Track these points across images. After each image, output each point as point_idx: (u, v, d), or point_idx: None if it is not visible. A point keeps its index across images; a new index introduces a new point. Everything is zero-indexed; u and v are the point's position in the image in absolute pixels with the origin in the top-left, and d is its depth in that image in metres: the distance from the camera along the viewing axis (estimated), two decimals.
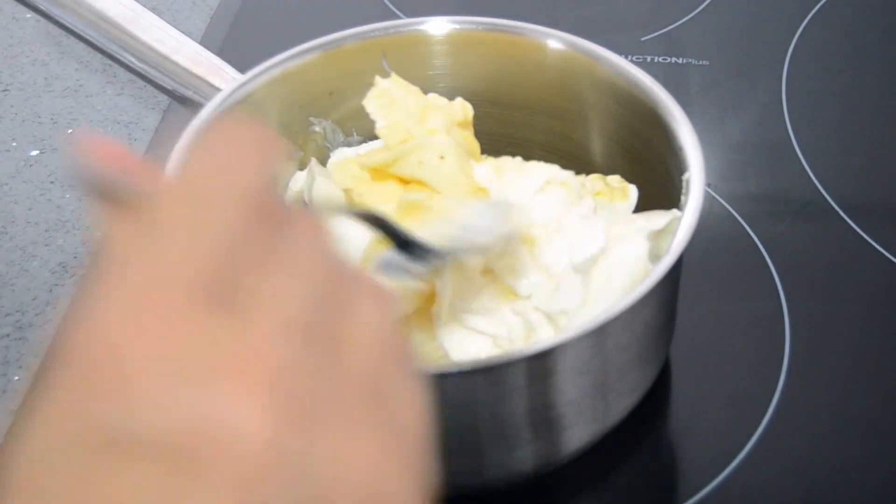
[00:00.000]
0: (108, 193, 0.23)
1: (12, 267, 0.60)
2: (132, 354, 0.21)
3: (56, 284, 0.59)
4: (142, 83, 0.62)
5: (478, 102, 0.52)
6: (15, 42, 0.76)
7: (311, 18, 0.75)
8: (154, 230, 0.23)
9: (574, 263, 0.45)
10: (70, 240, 0.62)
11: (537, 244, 0.47)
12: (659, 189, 0.50)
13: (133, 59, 0.54)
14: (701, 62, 0.70)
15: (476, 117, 0.52)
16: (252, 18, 0.75)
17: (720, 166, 0.63)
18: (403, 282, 0.45)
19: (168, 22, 0.55)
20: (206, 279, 0.22)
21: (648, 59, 0.70)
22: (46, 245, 0.61)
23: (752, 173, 0.63)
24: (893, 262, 0.57)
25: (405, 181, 0.50)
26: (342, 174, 0.51)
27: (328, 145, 0.56)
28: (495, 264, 0.46)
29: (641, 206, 0.52)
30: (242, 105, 0.51)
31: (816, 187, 0.62)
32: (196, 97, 0.53)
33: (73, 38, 0.56)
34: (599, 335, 0.42)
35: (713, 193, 0.61)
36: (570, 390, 0.43)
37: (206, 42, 0.70)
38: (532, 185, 0.49)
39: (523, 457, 0.46)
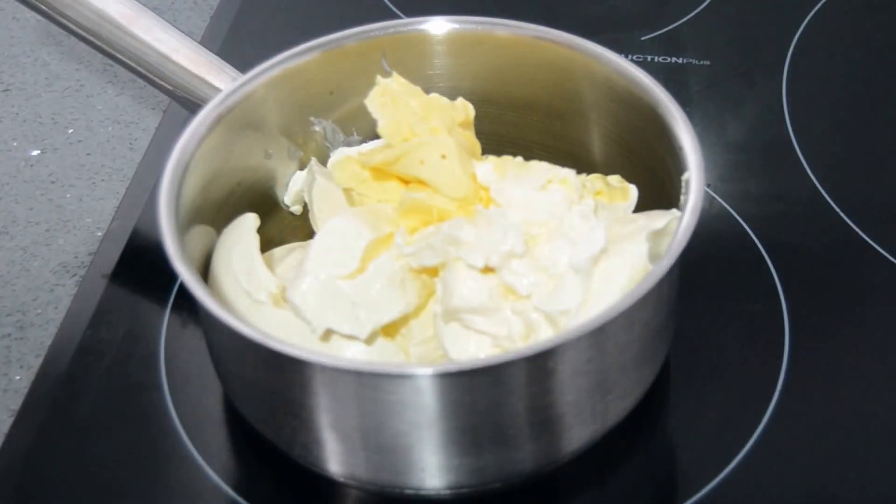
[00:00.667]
0: None
1: (13, 267, 0.60)
2: None
3: (57, 284, 0.59)
4: (142, 83, 0.62)
5: (478, 102, 0.52)
6: (15, 42, 0.76)
7: (311, 18, 0.75)
8: None
9: (574, 263, 0.45)
10: (71, 240, 0.62)
11: (537, 243, 0.47)
12: (659, 189, 0.50)
13: (133, 60, 0.54)
14: (701, 62, 0.70)
15: (476, 117, 0.52)
16: (252, 18, 0.75)
17: (720, 166, 0.63)
18: None
19: (168, 22, 0.55)
20: None
21: (648, 58, 0.70)
22: (47, 245, 0.61)
23: (752, 173, 0.63)
24: (893, 263, 0.57)
25: (406, 180, 0.50)
26: (342, 173, 0.51)
27: (328, 145, 0.56)
28: (495, 264, 0.46)
29: (641, 206, 0.52)
30: (242, 105, 0.51)
31: (816, 187, 0.62)
32: (196, 97, 0.53)
33: (73, 38, 0.56)
34: (599, 335, 0.42)
35: (713, 193, 0.61)
36: (569, 390, 0.43)
37: (206, 42, 0.70)
38: (533, 183, 0.49)
39: (523, 457, 0.46)
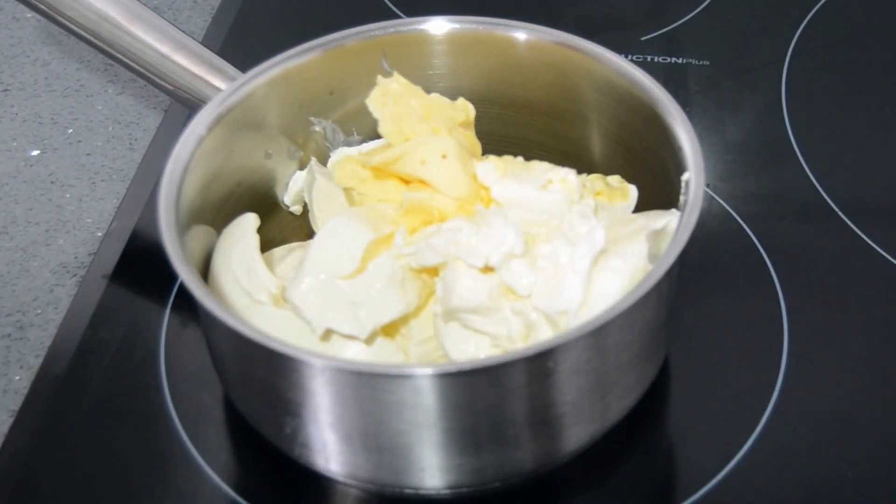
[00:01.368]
0: None
1: (13, 267, 0.60)
2: None
3: (57, 284, 0.59)
4: (142, 83, 0.62)
5: (478, 102, 0.52)
6: (15, 42, 0.76)
7: (311, 18, 0.75)
8: None
9: (574, 264, 0.45)
10: (70, 240, 0.62)
11: (537, 243, 0.47)
12: (659, 189, 0.50)
13: (133, 59, 0.54)
14: (701, 62, 0.70)
15: (476, 117, 0.52)
16: (252, 18, 0.75)
17: (719, 166, 0.63)
18: None
19: (168, 22, 0.55)
20: None
21: (648, 58, 0.70)
22: (47, 245, 0.61)
23: (752, 173, 0.63)
24: (892, 263, 0.57)
25: (406, 180, 0.50)
26: (343, 173, 0.51)
27: (328, 145, 0.56)
28: (496, 263, 0.46)
29: (641, 206, 0.52)
30: (242, 105, 0.51)
31: (816, 188, 0.62)
32: (196, 97, 0.53)
33: (73, 38, 0.56)
34: (599, 335, 0.42)
35: (712, 193, 0.61)
36: (569, 390, 0.44)
37: (206, 42, 0.70)
38: (533, 183, 0.49)
39: (523, 457, 0.46)
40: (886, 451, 0.50)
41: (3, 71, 0.73)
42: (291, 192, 0.55)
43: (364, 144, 0.55)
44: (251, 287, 0.47)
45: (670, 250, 0.43)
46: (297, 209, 0.56)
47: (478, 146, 0.52)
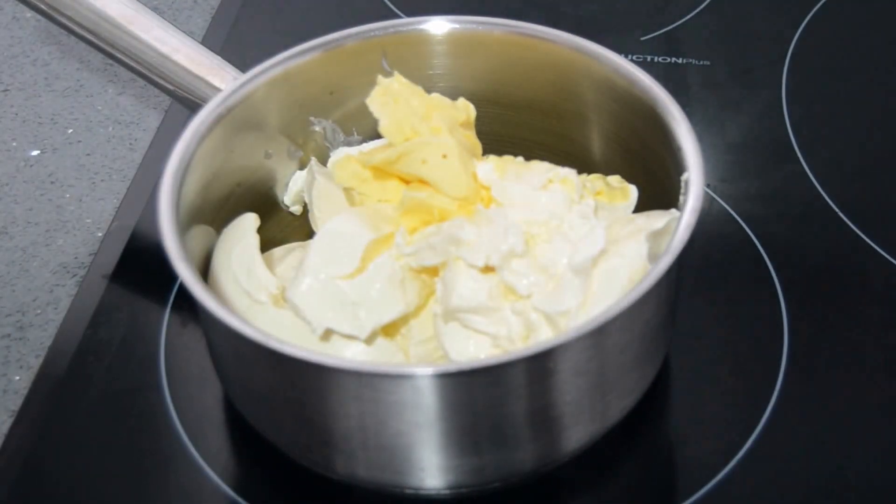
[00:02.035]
0: None
1: (12, 267, 0.60)
2: None
3: (56, 285, 0.59)
4: (142, 83, 0.62)
5: (478, 102, 0.52)
6: (15, 42, 0.76)
7: (311, 18, 0.75)
8: None
9: (574, 264, 0.45)
10: (70, 240, 0.62)
11: (537, 243, 0.47)
12: (659, 189, 0.50)
13: (133, 59, 0.54)
14: (701, 62, 0.70)
15: (476, 117, 0.52)
16: (252, 18, 0.75)
17: (719, 166, 0.63)
18: None
19: (169, 21, 0.55)
20: None
21: (648, 59, 0.70)
22: (47, 245, 0.61)
23: (752, 173, 0.63)
24: (892, 263, 0.57)
25: (407, 180, 0.50)
26: (343, 172, 0.51)
27: (328, 145, 0.56)
28: (496, 263, 0.46)
29: (641, 206, 0.52)
30: (242, 105, 0.51)
31: (816, 188, 0.62)
32: (196, 97, 0.53)
33: (73, 38, 0.56)
34: (599, 335, 0.42)
35: (712, 194, 0.61)
36: (569, 390, 0.43)
37: (206, 42, 0.70)
38: (534, 183, 0.49)
39: (523, 457, 0.46)
40: (886, 451, 0.50)
41: (3, 71, 0.73)
42: (291, 192, 0.55)
43: (364, 144, 0.55)
44: (251, 287, 0.47)
45: (671, 250, 0.43)
46: (297, 209, 0.56)
47: (478, 146, 0.52)
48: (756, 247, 0.58)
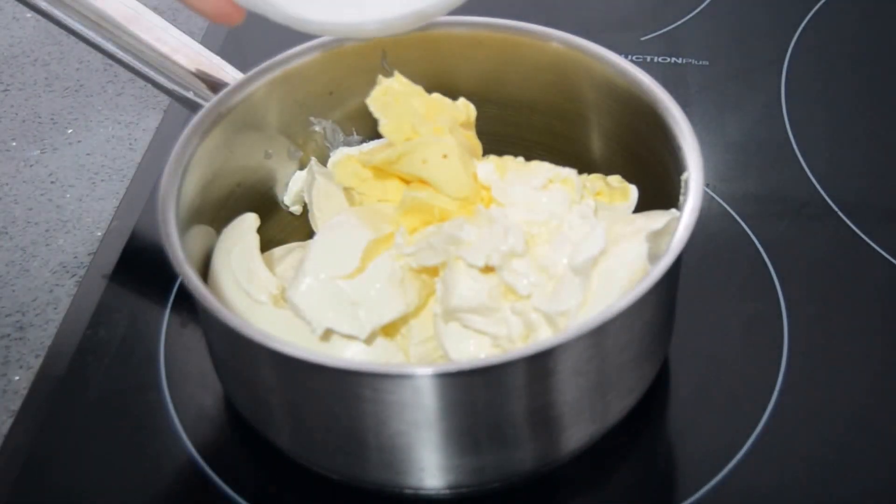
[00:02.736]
0: None
1: (12, 267, 0.60)
2: None
3: (56, 284, 0.59)
4: (142, 83, 0.62)
5: (478, 102, 0.52)
6: (15, 42, 0.76)
7: None
8: None
9: (573, 265, 0.45)
10: (70, 240, 0.62)
11: (537, 243, 0.47)
12: (659, 189, 0.50)
13: (133, 59, 0.55)
14: (701, 62, 0.70)
15: (477, 117, 0.52)
16: (252, 18, 0.75)
17: (719, 166, 0.63)
18: None
19: (168, 21, 0.55)
20: None
21: (648, 59, 0.70)
22: (46, 245, 0.61)
23: (751, 173, 0.63)
24: (891, 263, 0.57)
25: (407, 180, 0.50)
26: (343, 172, 0.52)
27: (328, 145, 0.56)
28: (496, 263, 0.46)
29: (641, 206, 0.52)
30: (242, 105, 0.51)
31: (815, 187, 0.62)
32: (196, 97, 0.53)
33: (73, 38, 0.56)
34: (598, 335, 0.42)
35: (712, 193, 0.61)
36: (569, 390, 0.44)
37: (206, 42, 0.70)
38: (534, 183, 0.49)
39: (523, 456, 0.46)
40: (886, 451, 0.50)
41: (3, 71, 0.73)
42: (291, 192, 0.55)
43: (364, 144, 0.55)
44: (251, 287, 0.47)
45: (670, 250, 0.43)
46: (297, 209, 0.56)
47: (478, 146, 0.52)
48: (756, 246, 0.58)
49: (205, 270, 0.50)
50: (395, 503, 0.48)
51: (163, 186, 0.46)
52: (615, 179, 0.53)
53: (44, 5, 0.55)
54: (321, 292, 0.46)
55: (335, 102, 0.55)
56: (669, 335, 0.50)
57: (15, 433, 0.51)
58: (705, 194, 0.45)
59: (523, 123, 0.56)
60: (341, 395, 0.43)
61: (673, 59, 0.70)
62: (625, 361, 0.45)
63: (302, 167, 0.55)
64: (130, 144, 0.68)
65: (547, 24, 0.53)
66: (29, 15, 0.77)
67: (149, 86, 0.56)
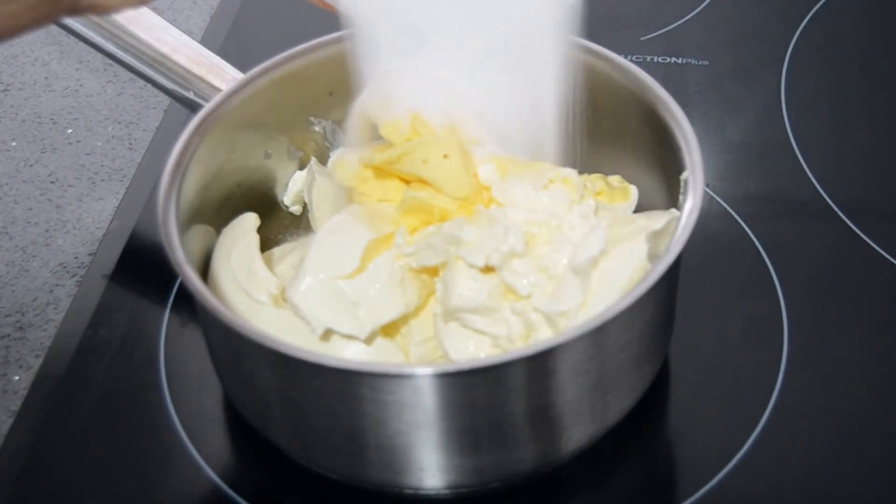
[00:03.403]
0: None
1: (12, 267, 0.60)
2: None
3: (56, 284, 0.59)
4: (142, 83, 0.62)
5: None
6: (15, 42, 0.76)
7: (311, 18, 0.75)
8: None
9: (574, 265, 0.45)
10: (70, 240, 0.62)
11: (538, 243, 0.47)
12: (659, 189, 0.50)
13: (133, 59, 0.55)
14: (701, 62, 0.70)
15: None
16: (252, 18, 0.75)
17: (719, 166, 0.63)
18: None
19: (168, 21, 0.55)
20: None
21: (648, 59, 0.70)
22: (46, 245, 0.61)
23: (751, 173, 0.63)
24: (891, 263, 0.57)
25: (407, 180, 0.50)
26: (344, 172, 0.51)
27: (328, 145, 0.56)
28: (496, 263, 0.46)
29: (641, 206, 0.52)
30: (242, 105, 0.51)
31: (815, 187, 0.62)
32: (196, 97, 0.53)
33: (73, 38, 0.56)
34: (598, 335, 0.42)
35: (712, 193, 0.61)
36: (569, 390, 0.44)
37: (206, 42, 0.70)
38: (534, 183, 0.49)
39: (523, 457, 0.46)
40: (886, 450, 0.50)
41: (3, 71, 0.73)
42: (291, 192, 0.55)
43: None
44: (251, 287, 0.47)
45: (670, 250, 0.43)
46: (297, 209, 0.56)
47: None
48: (755, 246, 0.58)
49: (205, 270, 0.50)
50: (395, 503, 0.48)
51: (163, 186, 0.46)
52: (615, 179, 0.53)
53: None
54: (321, 292, 0.46)
55: (335, 102, 0.55)
56: (669, 335, 0.50)
57: (15, 433, 0.51)
58: (705, 194, 0.45)
59: None
60: (341, 395, 0.43)
61: (673, 59, 0.70)
62: (625, 361, 0.45)
63: (302, 167, 0.55)
64: (130, 144, 0.68)
65: None
66: None
67: (149, 86, 0.56)
